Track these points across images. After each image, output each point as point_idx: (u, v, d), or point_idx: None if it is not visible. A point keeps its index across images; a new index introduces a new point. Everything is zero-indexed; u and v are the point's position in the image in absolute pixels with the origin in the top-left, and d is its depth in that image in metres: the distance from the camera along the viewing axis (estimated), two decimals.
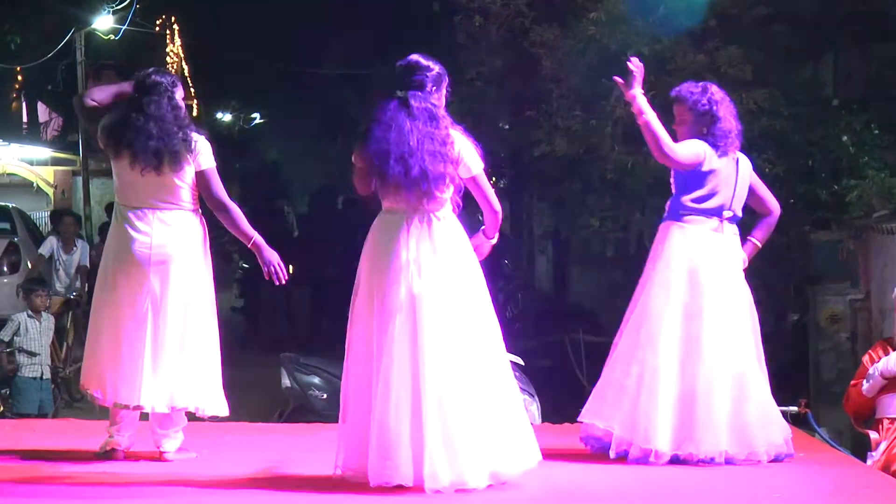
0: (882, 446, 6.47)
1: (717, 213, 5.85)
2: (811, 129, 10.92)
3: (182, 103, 5.70)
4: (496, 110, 11.36)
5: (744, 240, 6.00)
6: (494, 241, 5.38)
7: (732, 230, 5.93)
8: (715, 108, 5.87)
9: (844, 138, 10.87)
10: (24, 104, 28.37)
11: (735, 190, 5.90)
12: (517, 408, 5.20)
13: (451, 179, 5.10)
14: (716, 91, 5.95)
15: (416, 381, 4.94)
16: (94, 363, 5.64)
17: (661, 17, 10.56)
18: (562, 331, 11.92)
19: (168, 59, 30.07)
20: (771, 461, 5.72)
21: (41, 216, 24.24)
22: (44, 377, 10.19)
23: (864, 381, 6.68)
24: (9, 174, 26.53)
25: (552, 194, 11.17)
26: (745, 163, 6.01)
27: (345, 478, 5.08)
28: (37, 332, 10.14)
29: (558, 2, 11.46)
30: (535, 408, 8.34)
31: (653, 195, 10.36)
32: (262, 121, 39.45)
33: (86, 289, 12.52)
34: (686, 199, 5.85)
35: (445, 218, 5.14)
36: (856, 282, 10.43)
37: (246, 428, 6.84)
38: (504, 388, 5.14)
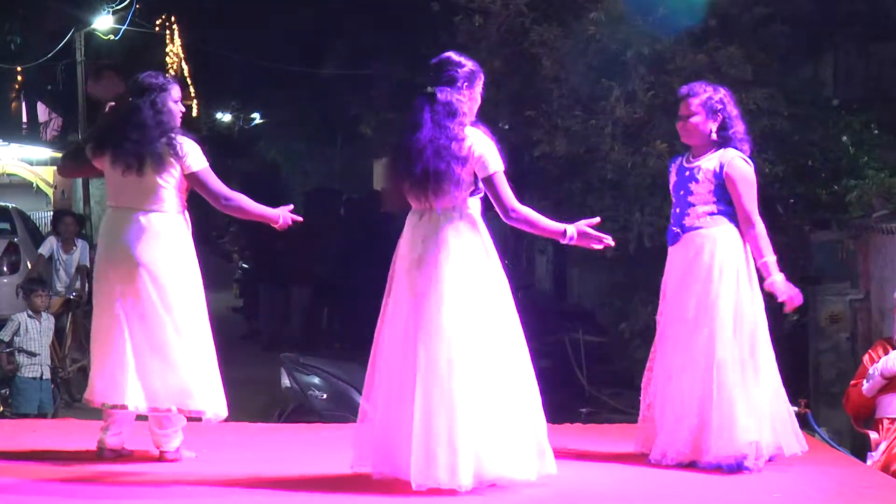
0: (882, 446, 6.47)
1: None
2: (811, 129, 10.90)
3: (174, 105, 5.66)
4: (496, 110, 11.33)
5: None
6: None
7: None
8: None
9: (844, 138, 10.86)
10: (24, 104, 28.40)
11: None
12: (538, 411, 5.17)
13: (460, 177, 5.06)
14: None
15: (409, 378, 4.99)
16: (90, 365, 5.75)
17: (661, 17, 10.54)
18: (562, 331, 11.91)
19: (168, 59, 30.07)
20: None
21: (41, 216, 24.26)
22: (44, 377, 10.19)
23: (864, 381, 6.68)
24: (9, 174, 26.57)
25: (552, 194, 11.14)
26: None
27: (369, 477, 5.07)
28: (37, 333, 10.15)
29: (558, 2, 11.44)
30: None
31: (653, 195, 10.35)
32: (262, 121, 39.44)
33: (86, 289, 12.52)
34: None
35: (459, 216, 5.11)
36: (856, 282, 10.42)
37: (246, 428, 6.84)
38: (525, 390, 5.13)
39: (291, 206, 5.72)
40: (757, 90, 10.27)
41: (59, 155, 27.05)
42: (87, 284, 12.55)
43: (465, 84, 5.19)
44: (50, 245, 12.59)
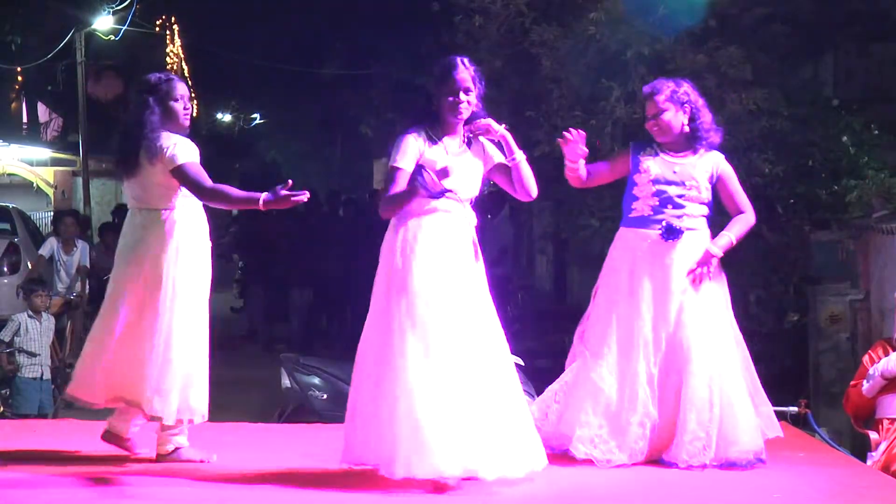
0: (882, 446, 6.47)
1: None
2: (811, 129, 10.90)
3: (174, 104, 5.64)
4: (496, 110, 11.30)
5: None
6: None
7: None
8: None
9: (844, 138, 10.86)
10: (24, 104, 28.41)
11: None
12: (523, 409, 5.21)
13: None
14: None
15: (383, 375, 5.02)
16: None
17: (661, 17, 10.55)
18: (562, 331, 11.89)
19: (168, 59, 30.08)
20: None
21: (41, 216, 24.28)
22: (44, 378, 10.19)
23: (864, 381, 6.68)
24: (9, 174, 26.58)
25: (552, 194, 11.14)
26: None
27: (368, 476, 5.08)
28: (37, 333, 10.15)
29: (558, 2, 11.44)
30: (535, 408, 8.32)
31: None
32: (262, 121, 39.48)
33: (86, 289, 12.54)
34: None
35: (431, 215, 5.17)
36: (856, 282, 10.42)
37: (246, 428, 6.84)
38: (509, 388, 5.16)
39: (290, 182, 5.51)
40: (757, 90, 10.28)
41: (60, 155, 27.11)
42: (87, 285, 12.57)
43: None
44: (50, 246, 12.60)
